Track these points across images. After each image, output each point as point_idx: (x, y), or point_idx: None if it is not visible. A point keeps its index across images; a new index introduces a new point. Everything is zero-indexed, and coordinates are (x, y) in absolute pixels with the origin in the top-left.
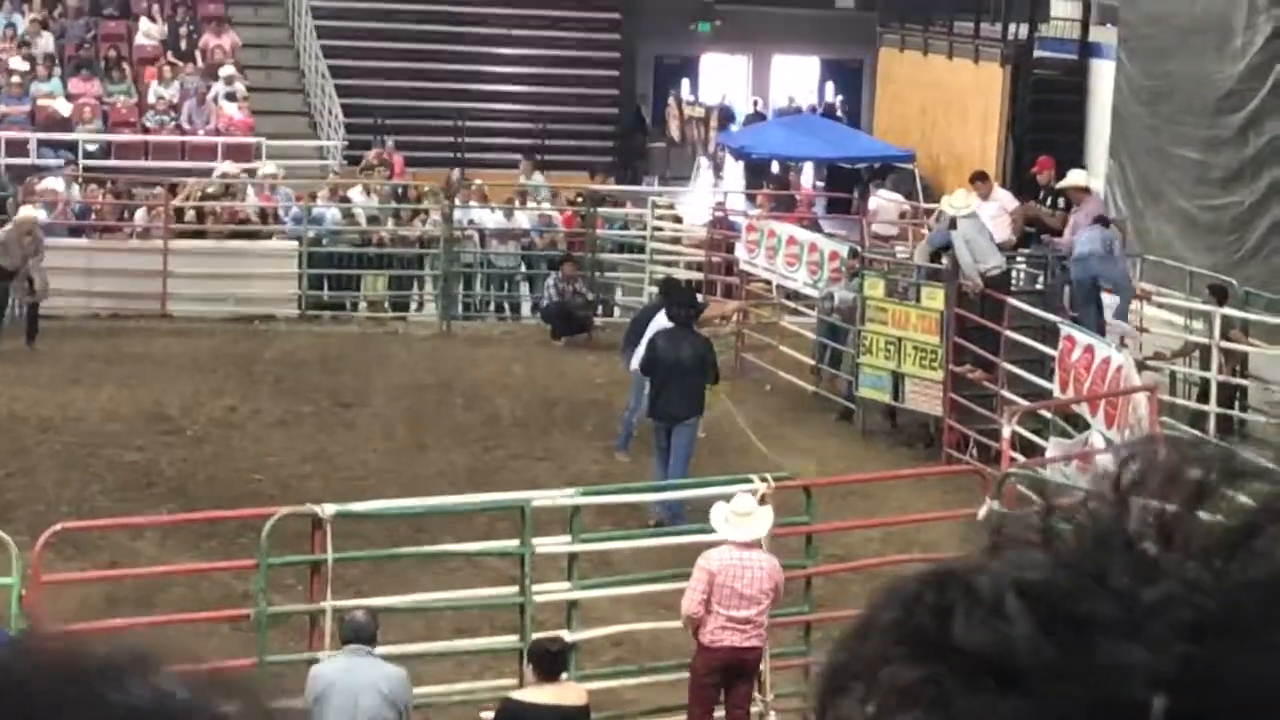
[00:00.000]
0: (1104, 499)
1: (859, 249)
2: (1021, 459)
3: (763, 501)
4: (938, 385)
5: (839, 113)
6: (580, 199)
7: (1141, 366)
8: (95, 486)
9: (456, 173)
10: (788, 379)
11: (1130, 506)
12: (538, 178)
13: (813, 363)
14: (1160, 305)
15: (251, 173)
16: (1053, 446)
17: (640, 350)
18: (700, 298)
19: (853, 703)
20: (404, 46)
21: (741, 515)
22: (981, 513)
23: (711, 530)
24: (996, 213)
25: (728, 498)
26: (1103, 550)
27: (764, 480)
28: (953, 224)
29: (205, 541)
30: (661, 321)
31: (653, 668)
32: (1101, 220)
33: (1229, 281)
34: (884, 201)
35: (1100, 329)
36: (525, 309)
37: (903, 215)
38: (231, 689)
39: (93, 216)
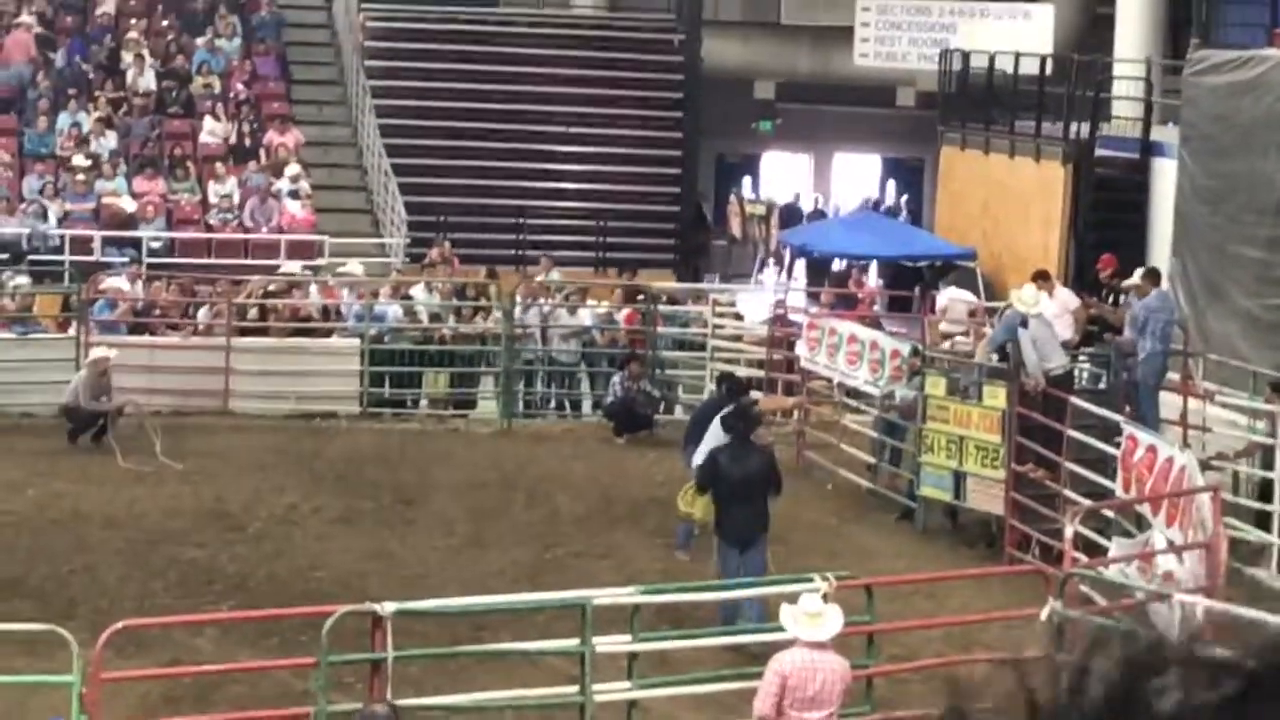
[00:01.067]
0: None
1: (920, 347)
2: (1084, 559)
3: (826, 600)
4: (1000, 484)
5: (904, 212)
6: (642, 296)
7: (1205, 467)
8: (157, 583)
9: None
10: (849, 477)
11: None
12: (555, 274)
13: (872, 460)
14: (1223, 405)
15: (316, 270)
16: (1115, 547)
17: (698, 456)
18: (757, 394)
19: None
20: (466, 144)
21: (812, 616)
22: (1044, 613)
23: (774, 630)
24: (1059, 311)
25: (790, 597)
26: None
27: (825, 579)
28: (1024, 321)
29: (265, 639)
30: (719, 431)
31: None
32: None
33: None
34: (953, 300)
35: (1158, 426)
36: (586, 406)
37: (972, 314)
38: None
39: (156, 313)
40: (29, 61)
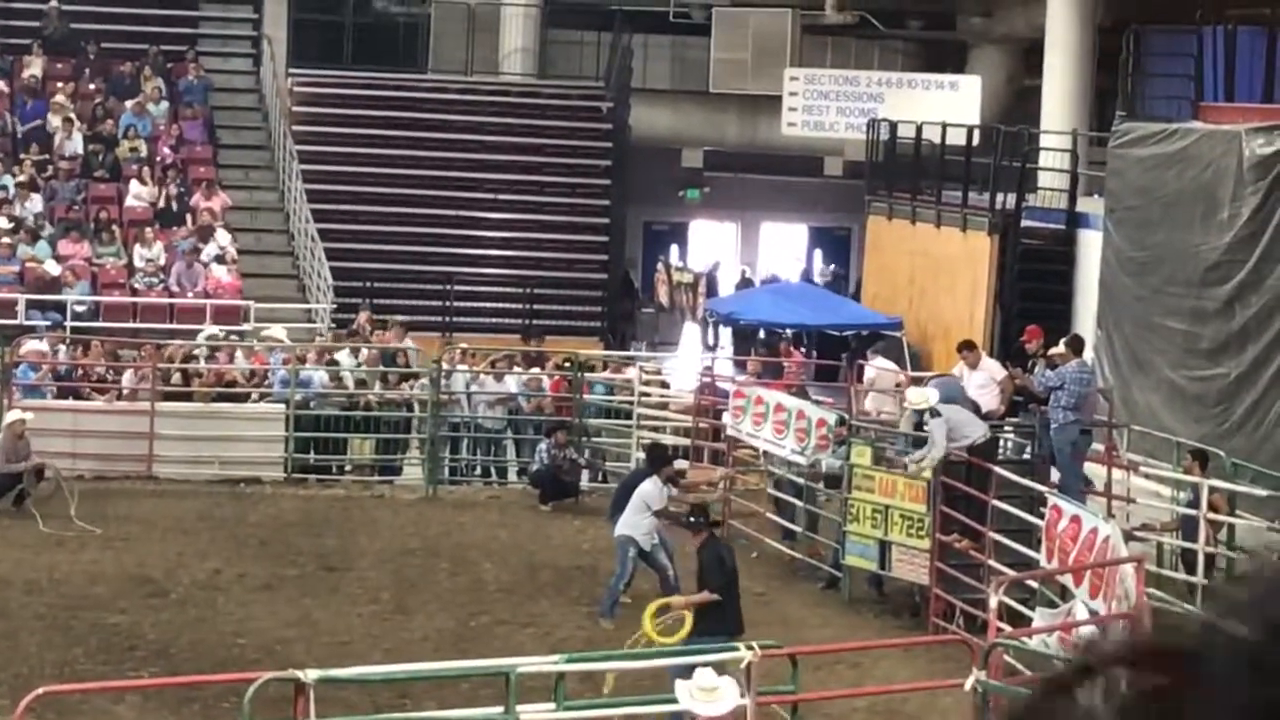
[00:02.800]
0: None
1: (846, 416)
2: (1008, 629)
3: (722, 674)
4: (925, 554)
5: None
6: (568, 363)
7: (1129, 537)
8: (78, 649)
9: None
10: (775, 546)
11: None
12: (408, 341)
13: (792, 526)
14: (1147, 475)
15: (241, 335)
16: (1039, 617)
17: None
18: (683, 464)
19: None
20: (393, 210)
21: (707, 690)
22: (969, 683)
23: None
24: (984, 382)
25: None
26: None
27: (750, 648)
28: (934, 412)
29: (187, 706)
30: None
31: None
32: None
33: (1212, 451)
34: (880, 371)
35: (1083, 496)
36: (511, 473)
37: (898, 385)
38: None
39: (80, 377)
40: None
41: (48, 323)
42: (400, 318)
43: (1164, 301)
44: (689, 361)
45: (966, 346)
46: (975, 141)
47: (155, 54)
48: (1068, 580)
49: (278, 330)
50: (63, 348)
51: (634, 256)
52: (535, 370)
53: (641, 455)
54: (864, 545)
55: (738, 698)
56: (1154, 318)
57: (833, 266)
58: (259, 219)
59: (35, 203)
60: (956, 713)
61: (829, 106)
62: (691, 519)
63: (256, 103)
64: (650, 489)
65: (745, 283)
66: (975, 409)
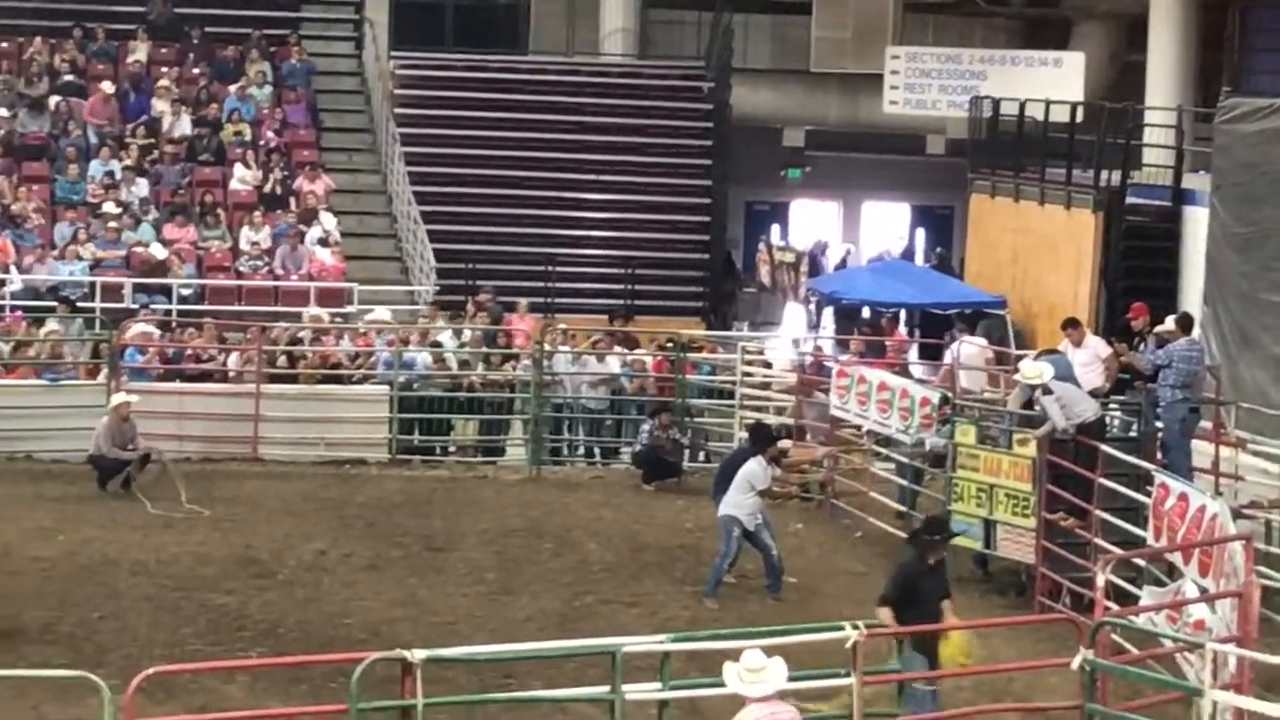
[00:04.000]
0: None
1: (949, 395)
2: (1115, 608)
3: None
4: (1030, 533)
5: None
6: (670, 344)
7: (1237, 515)
8: (186, 630)
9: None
10: (878, 525)
11: None
12: (529, 321)
13: (901, 508)
14: (1255, 453)
15: (345, 317)
16: (1147, 595)
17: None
18: (786, 443)
19: None
20: (495, 192)
21: (754, 671)
22: (1075, 662)
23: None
24: (1089, 360)
25: (818, 645)
26: None
27: (856, 628)
28: (1046, 389)
29: (295, 686)
30: (753, 469)
31: None
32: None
33: None
34: (971, 349)
35: (1191, 474)
36: (615, 454)
37: (988, 362)
38: None
39: (187, 359)
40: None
41: (154, 306)
42: (524, 300)
43: (1271, 277)
44: (791, 341)
45: (1071, 324)
46: (1079, 118)
47: (258, 38)
48: (1176, 558)
49: (383, 312)
50: (169, 331)
51: (735, 236)
52: (639, 351)
53: (743, 435)
54: (969, 524)
55: (783, 681)
56: (1261, 294)
57: (939, 250)
58: (362, 201)
59: (141, 187)
60: (1063, 692)
61: (931, 84)
62: (927, 536)
63: (359, 85)
64: (755, 469)
65: (842, 263)
66: (1077, 385)
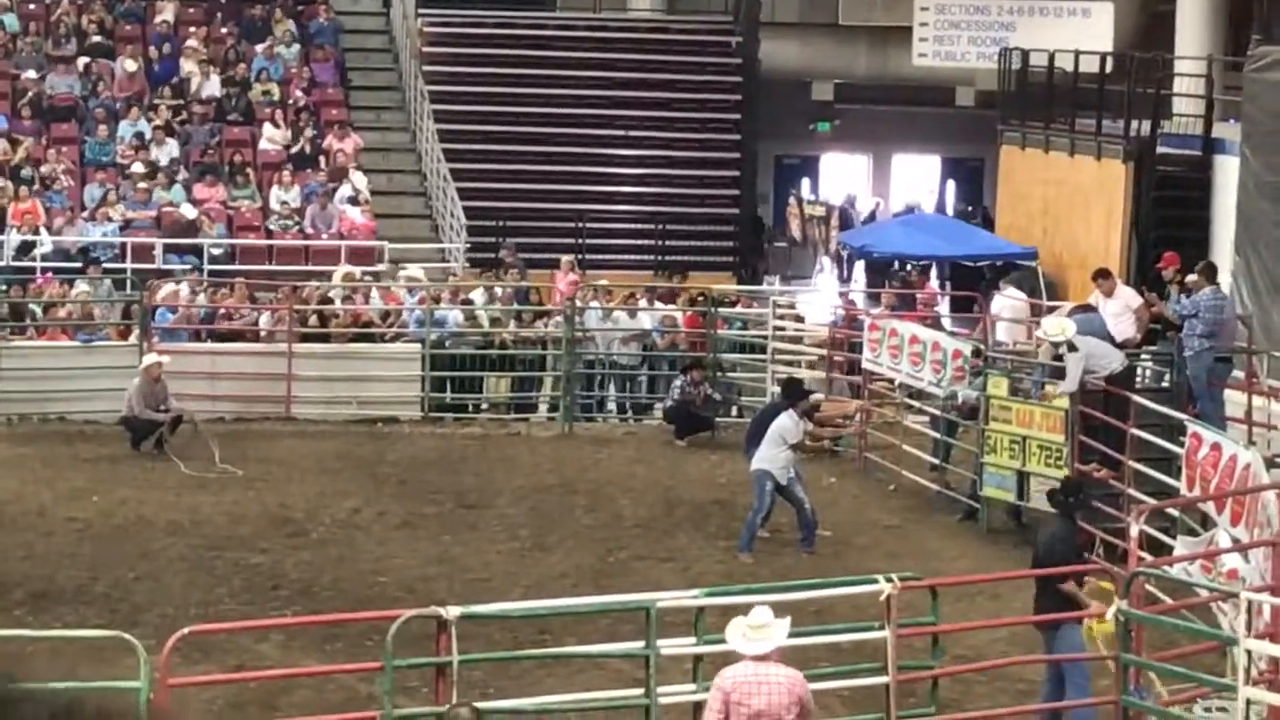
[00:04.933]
0: None
1: (981, 347)
2: (1149, 558)
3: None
4: None
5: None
6: (702, 298)
7: (1270, 464)
8: (221, 589)
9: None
10: (912, 478)
11: None
12: (572, 276)
13: (934, 461)
14: None
15: (376, 275)
16: (1180, 545)
17: (759, 461)
18: (818, 396)
19: None
20: (524, 149)
21: (756, 629)
22: (1110, 613)
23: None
24: (1120, 310)
25: (853, 598)
26: None
27: (889, 580)
28: (1071, 346)
29: (330, 644)
30: (785, 424)
31: None
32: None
33: None
34: (1009, 301)
35: (1223, 423)
36: (649, 408)
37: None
38: None
39: (220, 318)
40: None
41: (185, 266)
42: (566, 257)
43: None
44: (823, 295)
45: (1101, 274)
46: (1108, 69)
47: None
48: (1209, 508)
49: (416, 270)
50: (200, 291)
51: (765, 191)
52: (670, 306)
53: (776, 389)
54: (1002, 476)
55: (782, 639)
56: None
57: (969, 208)
58: (391, 160)
59: (171, 147)
60: (1098, 642)
61: (960, 36)
62: (1066, 497)
63: (387, 44)
64: (787, 423)
65: (871, 217)
66: (1110, 341)
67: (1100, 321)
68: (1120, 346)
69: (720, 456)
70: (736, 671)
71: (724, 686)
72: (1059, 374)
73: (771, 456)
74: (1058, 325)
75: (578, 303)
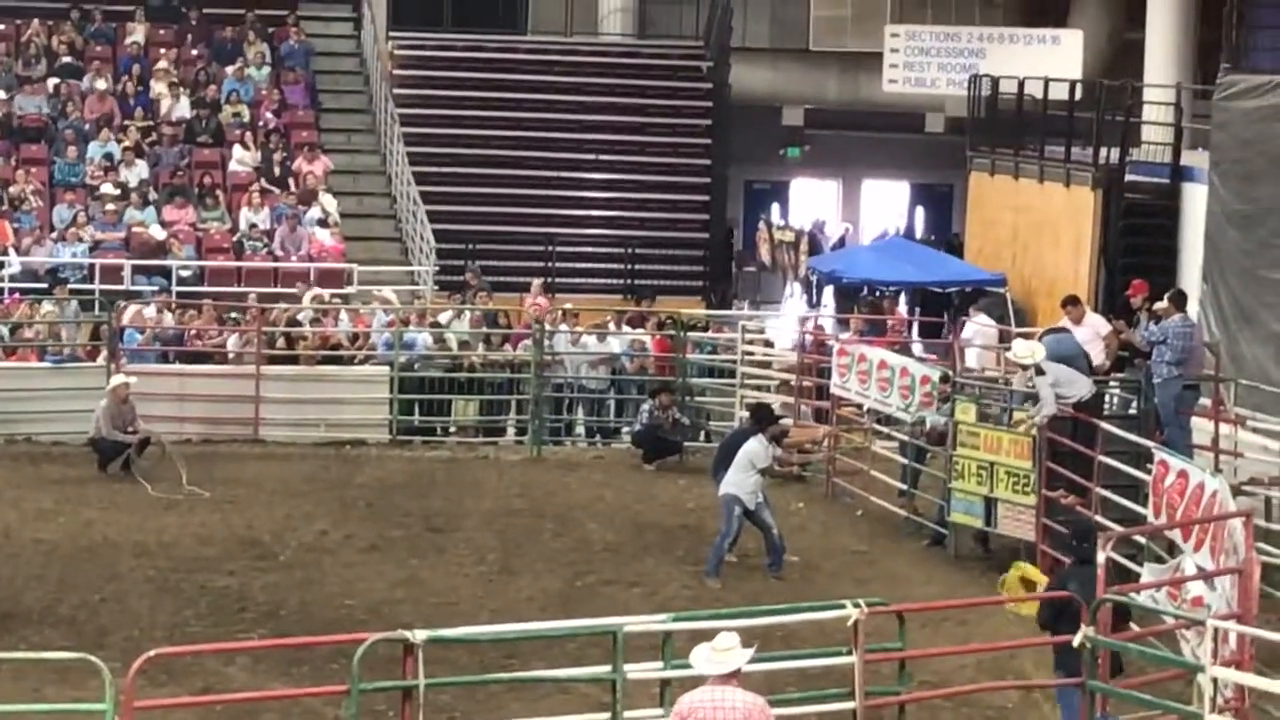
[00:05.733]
0: None
1: (950, 373)
2: (1116, 585)
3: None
4: (1030, 510)
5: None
6: (671, 322)
7: (1237, 492)
8: (188, 612)
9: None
10: (879, 504)
11: None
12: (541, 300)
13: (902, 486)
14: (1255, 430)
15: (345, 298)
16: (1147, 573)
17: (726, 486)
18: (787, 422)
19: None
20: (494, 172)
21: (719, 651)
22: (1077, 640)
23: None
24: (1089, 337)
25: (820, 624)
26: None
27: (857, 606)
28: (1039, 369)
29: (297, 667)
30: (754, 448)
31: None
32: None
33: None
34: (978, 328)
35: (1190, 451)
36: (615, 433)
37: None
38: None
39: (190, 338)
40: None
41: (154, 288)
42: (537, 280)
43: (1271, 254)
44: (792, 320)
45: (1070, 302)
46: (1078, 96)
47: (256, 19)
48: (1176, 535)
49: (388, 292)
50: (168, 312)
51: (735, 216)
52: (638, 330)
53: (744, 414)
54: (969, 502)
55: (743, 662)
56: (1260, 271)
57: (932, 237)
58: (361, 182)
59: (140, 168)
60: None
61: (930, 63)
62: (1079, 543)
63: (357, 66)
64: (756, 447)
65: (841, 242)
66: (1088, 361)
67: (1072, 342)
68: (1090, 373)
69: (688, 481)
70: (694, 697)
71: (680, 711)
72: (1030, 398)
73: (740, 481)
74: (1027, 348)
75: (547, 326)
